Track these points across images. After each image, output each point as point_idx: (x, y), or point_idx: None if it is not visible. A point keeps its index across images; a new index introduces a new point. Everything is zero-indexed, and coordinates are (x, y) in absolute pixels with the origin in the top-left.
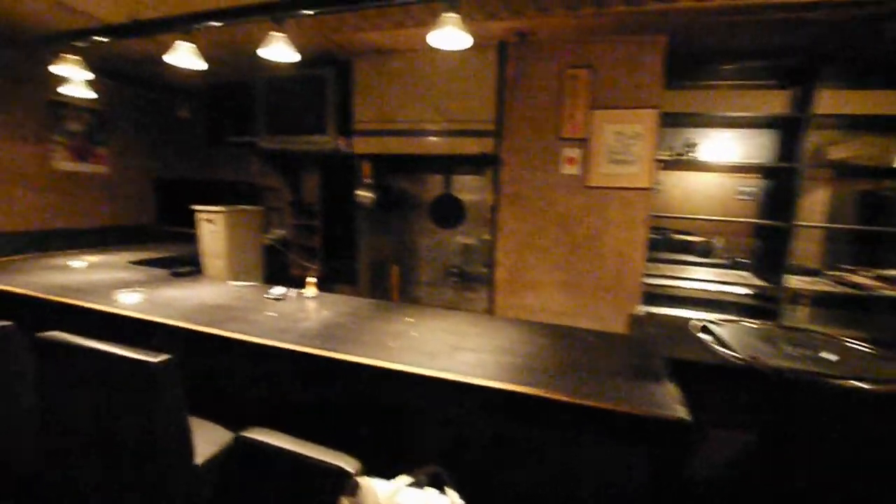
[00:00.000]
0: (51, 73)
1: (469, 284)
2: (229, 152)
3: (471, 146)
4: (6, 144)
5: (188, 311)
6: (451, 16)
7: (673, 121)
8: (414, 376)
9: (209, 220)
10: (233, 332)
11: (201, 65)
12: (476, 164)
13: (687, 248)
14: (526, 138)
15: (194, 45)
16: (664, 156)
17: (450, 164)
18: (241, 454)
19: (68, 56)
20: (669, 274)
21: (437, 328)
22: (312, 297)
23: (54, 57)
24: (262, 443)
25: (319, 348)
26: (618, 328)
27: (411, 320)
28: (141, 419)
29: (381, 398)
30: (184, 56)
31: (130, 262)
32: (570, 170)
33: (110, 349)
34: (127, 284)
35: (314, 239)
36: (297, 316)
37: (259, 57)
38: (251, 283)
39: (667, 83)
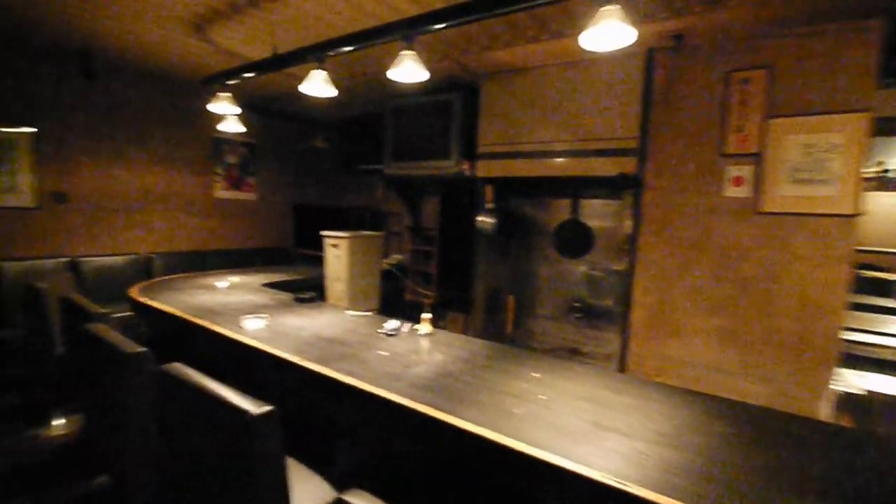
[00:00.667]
0: (211, 112)
1: (594, 322)
2: (358, 180)
3: (606, 167)
4: (181, 177)
5: (302, 344)
6: (611, 8)
7: (892, 127)
8: (545, 465)
9: (334, 245)
10: (342, 373)
11: (332, 91)
12: (610, 186)
13: (884, 289)
14: (677, 156)
15: (326, 73)
16: (871, 172)
17: (578, 188)
18: None
19: (222, 94)
20: (871, 328)
21: (570, 391)
22: (426, 335)
23: (212, 96)
24: None
25: (431, 405)
26: (802, 400)
27: (537, 375)
28: (239, 465)
29: (500, 478)
30: (317, 84)
31: (263, 285)
32: (736, 191)
33: (217, 390)
34: (255, 309)
35: (430, 265)
36: (410, 358)
37: (388, 88)
38: (367, 313)
39: (881, 80)
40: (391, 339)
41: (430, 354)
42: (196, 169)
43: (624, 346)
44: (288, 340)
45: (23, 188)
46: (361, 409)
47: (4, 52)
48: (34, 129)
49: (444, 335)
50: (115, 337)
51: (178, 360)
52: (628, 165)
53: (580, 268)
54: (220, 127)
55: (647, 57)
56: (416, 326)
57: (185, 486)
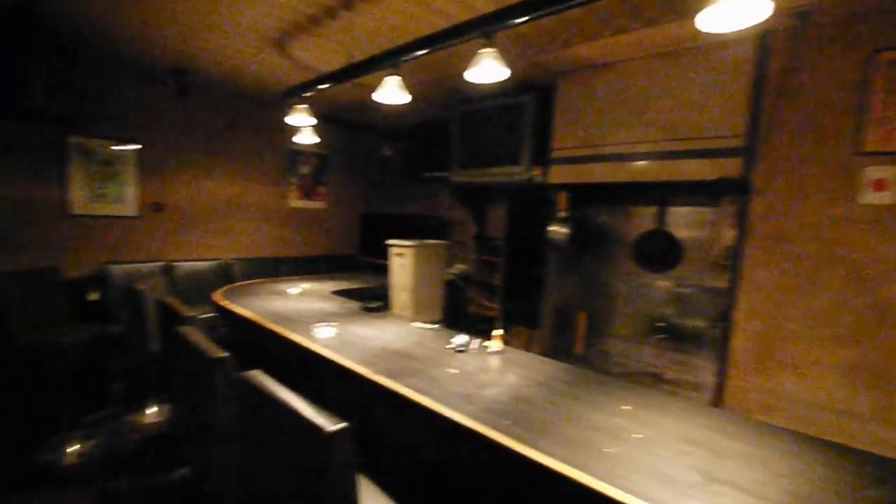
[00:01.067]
0: (287, 123)
1: (681, 345)
2: (423, 188)
3: (702, 170)
4: (259, 187)
5: (371, 356)
6: None
7: None
8: None
9: (399, 254)
10: (412, 389)
11: (406, 97)
12: (706, 192)
13: None
14: (797, 156)
15: (400, 78)
16: None
17: (665, 194)
18: None
19: (299, 106)
20: None
21: (669, 430)
22: (497, 353)
23: (290, 109)
24: None
25: (511, 436)
26: None
27: (628, 408)
28: (312, 479)
29: None
30: (391, 90)
31: (332, 293)
32: (876, 197)
33: (292, 402)
34: (325, 317)
35: (495, 276)
36: (481, 378)
37: (457, 93)
38: (433, 326)
39: None
40: (460, 355)
41: (502, 375)
42: (273, 179)
43: (721, 377)
44: (356, 351)
45: (128, 199)
46: (429, 429)
47: (119, 78)
48: (139, 146)
49: (515, 354)
50: (201, 341)
51: (257, 362)
52: (731, 168)
53: (664, 283)
54: (296, 139)
55: (761, 41)
56: (486, 343)
57: (259, 491)
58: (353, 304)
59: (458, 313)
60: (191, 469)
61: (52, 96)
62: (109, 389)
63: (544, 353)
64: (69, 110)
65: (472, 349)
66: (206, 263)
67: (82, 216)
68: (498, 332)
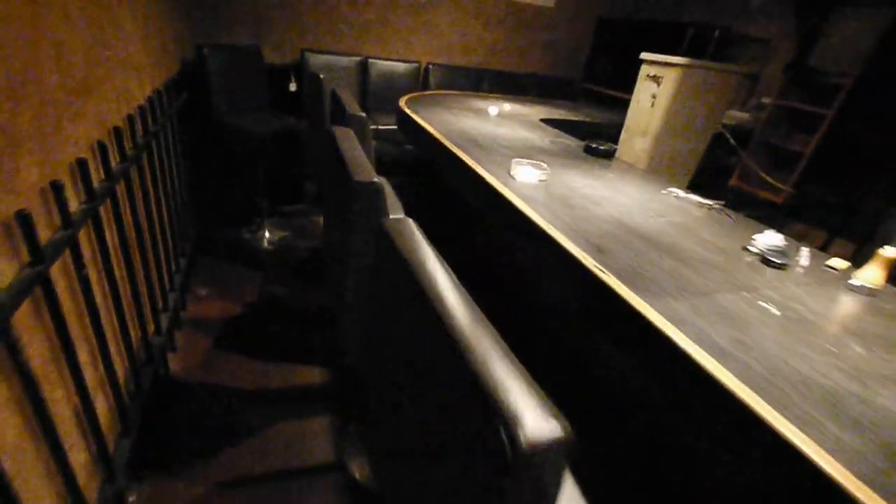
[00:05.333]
0: None
1: None
2: None
3: None
4: None
5: (600, 233)
6: None
7: None
8: None
9: (653, 77)
10: (702, 348)
11: None
12: None
13: None
14: None
15: None
16: None
17: None
18: None
19: None
20: None
21: None
22: (860, 288)
23: None
24: None
25: None
26: None
27: None
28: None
29: None
30: None
31: (542, 121)
32: None
33: (443, 294)
34: (529, 151)
35: (803, 140)
36: (848, 346)
37: None
38: (709, 202)
39: None
40: (776, 273)
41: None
42: None
43: None
44: (574, 219)
45: None
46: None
47: None
48: None
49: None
50: (351, 152)
51: (431, 193)
52: None
53: None
54: None
55: None
56: (834, 263)
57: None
58: (570, 141)
59: (713, 185)
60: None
61: None
62: (302, 186)
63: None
64: None
65: (801, 266)
66: (402, 65)
67: None
68: (840, 262)
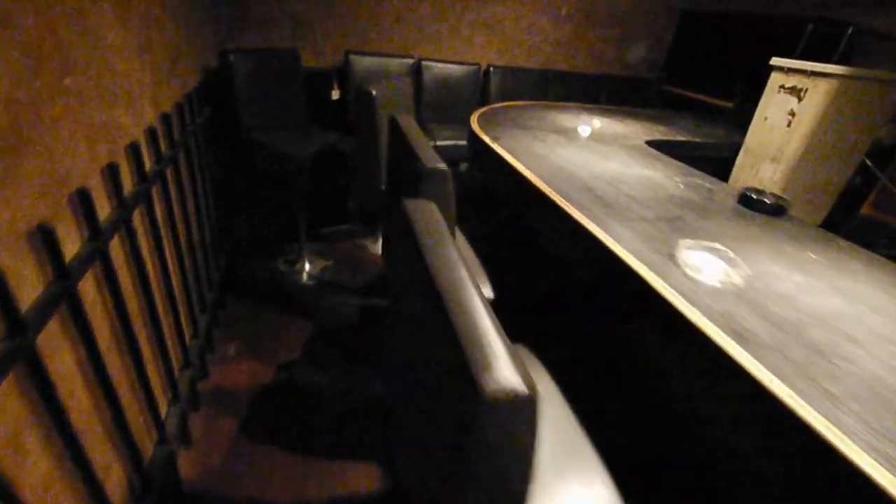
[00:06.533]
0: None
1: None
2: None
3: None
4: None
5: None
6: None
7: None
8: None
9: (791, 91)
10: None
11: None
12: None
13: None
14: None
15: None
16: None
17: None
18: None
19: None
20: None
21: None
22: None
23: None
24: None
25: None
26: None
27: None
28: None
29: None
30: None
31: (648, 143)
32: None
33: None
34: (666, 205)
35: None
36: None
37: None
38: None
39: None
40: None
41: None
42: None
43: None
44: (848, 393)
45: None
46: None
47: None
48: None
49: None
50: (441, 265)
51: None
52: None
53: None
54: None
55: None
56: None
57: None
58: (708, 183)
59: (842, 219)
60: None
61: None
62: (346, 202)
63: None
64: None
65: None
66: (460, 68)
67: None
68: None
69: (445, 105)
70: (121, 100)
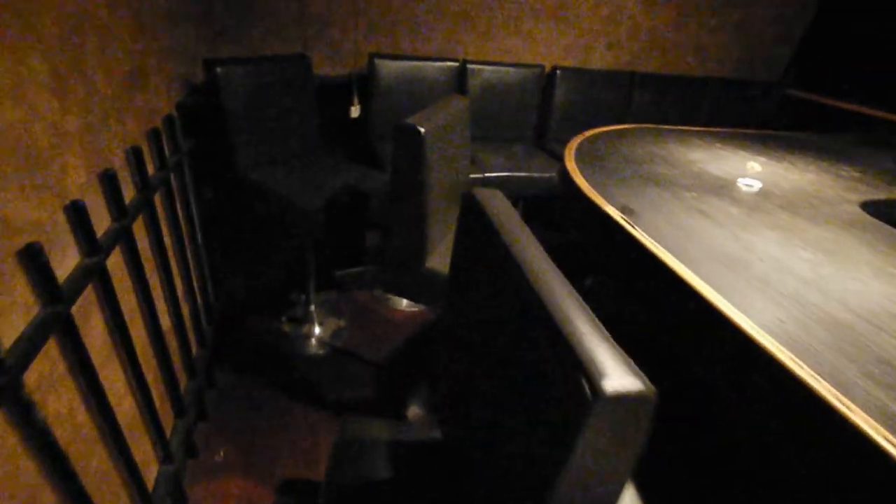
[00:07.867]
0: None
1: None
2: None
3: None
4: None
5: None
6: None
7: None
8: None
9: None
10: None
11: None
12: None
13: None
14: None
15: None
16: None
17: None
18: None
19: None
20: None
21: None
22: None
23: None
24: None
25: None
26: None
27: None
28: None
29: None
30: None
31: (865, 209)
32: None
33: None
34: None
35: None
36: None
37: None
38: None
39: None
40: None
41: None
42: None
43: None
44: None
45: None
46: None
47: None
48: None
49: None
50: None
51: None
52: None
53: None
54: None
55: None
56: None
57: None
58: None
59: None
60: None
61: None
62: (363, 239)
63: None
64: None
65: None
66: (517, 71)
67: None
68: None
69: (497, 119)
70: (54, 148)
